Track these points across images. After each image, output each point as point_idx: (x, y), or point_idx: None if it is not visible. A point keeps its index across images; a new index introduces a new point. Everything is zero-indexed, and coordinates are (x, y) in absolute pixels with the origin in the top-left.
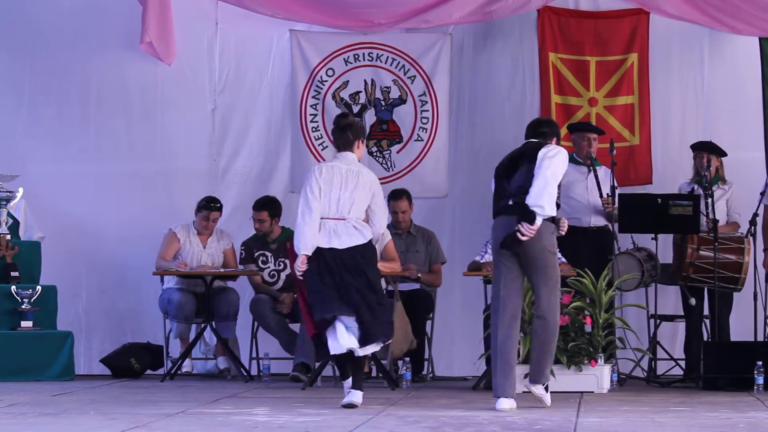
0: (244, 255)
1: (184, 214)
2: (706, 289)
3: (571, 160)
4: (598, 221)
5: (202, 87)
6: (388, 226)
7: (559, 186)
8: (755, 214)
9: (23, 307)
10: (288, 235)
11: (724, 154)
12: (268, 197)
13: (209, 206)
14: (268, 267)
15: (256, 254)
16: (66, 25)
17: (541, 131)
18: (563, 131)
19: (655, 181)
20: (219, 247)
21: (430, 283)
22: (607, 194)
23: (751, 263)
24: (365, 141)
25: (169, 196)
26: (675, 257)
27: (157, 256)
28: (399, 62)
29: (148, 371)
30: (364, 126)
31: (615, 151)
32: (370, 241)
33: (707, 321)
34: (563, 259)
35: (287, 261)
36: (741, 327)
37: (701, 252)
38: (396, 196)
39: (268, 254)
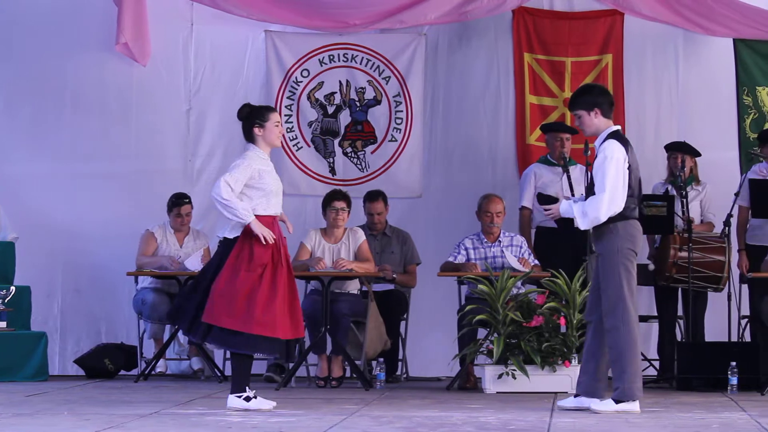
0: None
1: (160, 215)
2: (680, 289)
3: (545, 161)
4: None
5: (177, 87)
6: (363, 227)
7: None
8: (729, 215)
9: None
10: None
11: (698, 154)
12: None
13: (179, 202)
14: None
15: None
16: (42, 25)
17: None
18: (537, 132)
19: None
20: (196, 246)
21: (405, 283)
22: (581, 194)
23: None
24: (264, 120)
25: (145, 197)
26: (657, 258)
27: (137, 255)
28: (374, 63)
29: (122, 372)
30: (260, 107)
31: (590, 152)
32: (224, 239)
33: (680, 321)
34: (536, 262)
35: None
36: (714, 327)
37: (683, 252)
38: (372, 198)
39: None
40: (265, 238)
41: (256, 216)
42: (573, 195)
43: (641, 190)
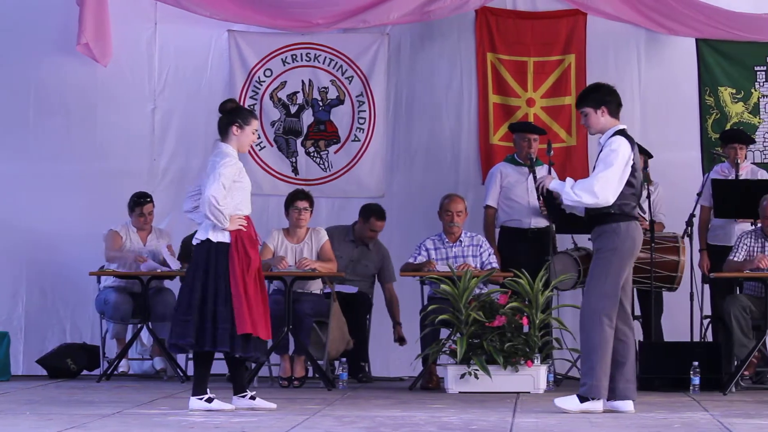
0: (182, 251)
1: (125, 214)
2: (635, 290)
3: (512, 161)
4: (539, 223)
5: (141, 87)
6: (345, 231)
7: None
8: (692, 215)
9: None
10: None
11: (650, 156)
12: None
13: (140, 201)
14: None
15: None
16: (4, 25)
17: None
18: (504, 130)
19: None
20: (159, 244)
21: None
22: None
23: (687, 264)
24: (246, 123)
25: (110, 196)
26: None
27: (105, 251)
28: (337, 62)
29: (85, 372)
30: (245, 109)
31: (552, 152)
32: (206, 240)
33: (638, 321)
34: (496, 265)
35: None
36: (676, 327)
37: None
38: (380, 216)
39: None
40: (242, 224)
41: (243, 216)
42: (538, 195)
43: (642, 191)
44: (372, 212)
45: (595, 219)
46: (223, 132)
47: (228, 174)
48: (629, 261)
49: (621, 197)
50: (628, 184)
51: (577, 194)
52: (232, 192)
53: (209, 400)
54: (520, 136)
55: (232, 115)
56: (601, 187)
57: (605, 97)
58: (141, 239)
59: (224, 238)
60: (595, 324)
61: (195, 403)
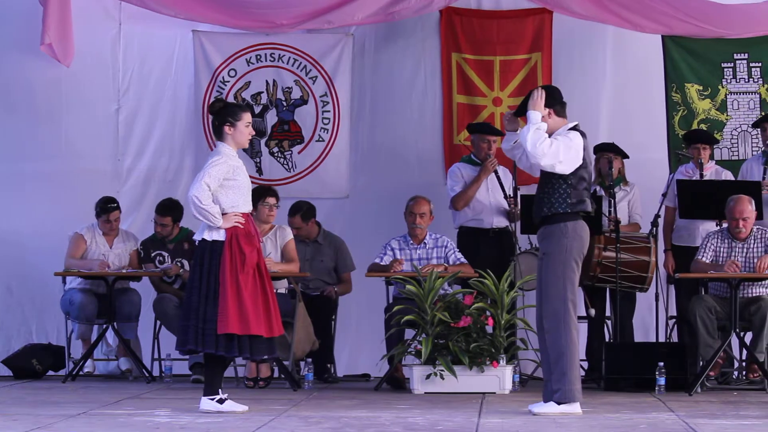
0: (142, 255)
1: (90, 214)
2: (608, 290)
3: (470, 161)
4: (500, 222)
5: (106, 87)
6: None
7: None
8: (657, 215)
9: None
10: (185, 234)
11: (626, 156)
12: (171, 201)
13: (107, 208)
14: (166, 266)
15: (153, 254)
16: None
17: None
18: (465, 132)
19: None
20: (125, 248)
21: (342, 292)
22: (509, 195)
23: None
24: (236, 119)
25: (75, 196)
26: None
27: (66, 256)
28: (301, 63)
29: (50, 372)
30: (234, 104)
31: None
32: (202, 240)
33: (609, 322)
34: (464, 260)
35: (185, 261)
36: (642, 328)
37: (608, 252)
38: (291, 212)
39: (165, 254)
40: (239, 221)
41: (240, 213)
42: (505, 194)
43: (590, 187)
44: (289, 212)
45: (543, 219)
46: (218, 133)
47: (214, 173)
48: (580, 260)
49: (572, 194)
50: (580, 178)
51: (531, 139)
52: (226, 190)
53: (221, 401)
54: (479, 137)
55: (221, 116)
56: (549, 147)
57: (547, 100)
58: (107, 243)
59: (219, 236)
60: (560, 329)
61: (206, 403)
